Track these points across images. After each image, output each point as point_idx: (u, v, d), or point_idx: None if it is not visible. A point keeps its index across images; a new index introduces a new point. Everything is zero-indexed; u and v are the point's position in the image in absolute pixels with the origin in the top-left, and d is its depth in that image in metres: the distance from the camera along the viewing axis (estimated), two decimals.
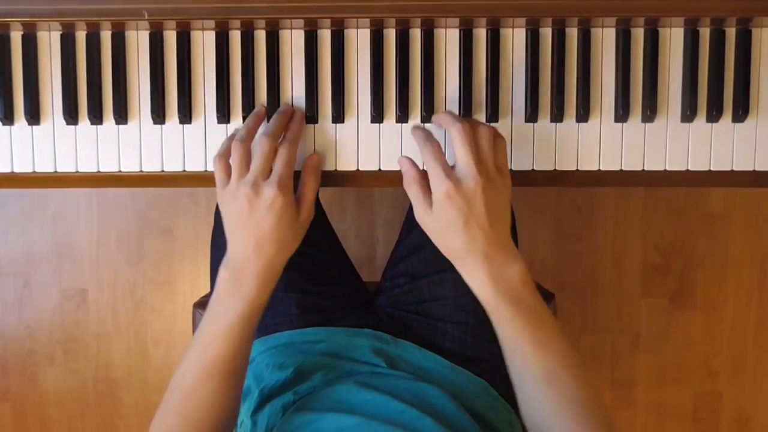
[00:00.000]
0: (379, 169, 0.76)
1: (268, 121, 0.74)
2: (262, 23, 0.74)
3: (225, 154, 0.71)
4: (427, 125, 0.75)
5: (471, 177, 0.65)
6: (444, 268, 0.83)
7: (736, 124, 0.76)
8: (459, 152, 0.66)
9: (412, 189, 0.69)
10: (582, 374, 0.68)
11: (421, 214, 0.69)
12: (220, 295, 0.71)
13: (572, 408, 0.66)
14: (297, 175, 0.73)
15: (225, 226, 0.71)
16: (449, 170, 0.66)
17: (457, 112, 0.75)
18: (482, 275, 0.67)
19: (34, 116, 0.75)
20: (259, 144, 0.69)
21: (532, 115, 0.75)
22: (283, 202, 0.68)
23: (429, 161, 0.68)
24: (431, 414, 0.72)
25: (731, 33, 0.75)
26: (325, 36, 0.75)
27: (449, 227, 0.66)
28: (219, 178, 0.71)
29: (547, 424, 0.67)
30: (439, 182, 0.66)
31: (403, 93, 0.75)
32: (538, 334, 0.67)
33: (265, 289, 0.70)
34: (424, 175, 0.69)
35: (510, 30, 0.75)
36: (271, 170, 0.69)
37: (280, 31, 0.75)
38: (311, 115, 0.75)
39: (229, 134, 0.75)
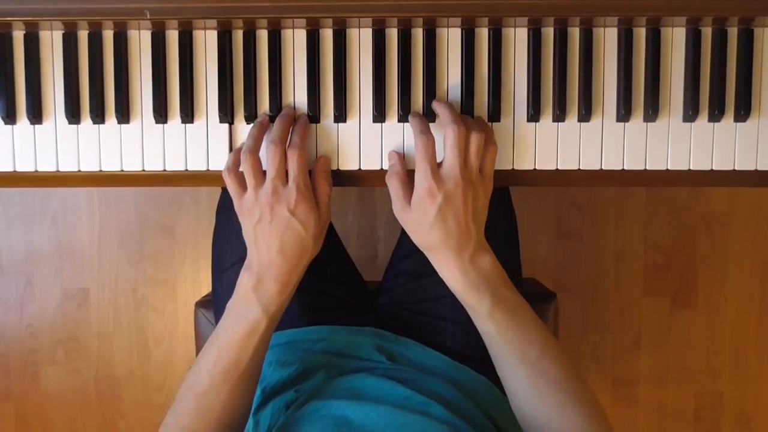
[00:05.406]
0: (381, 169, 0.76)
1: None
2: (264, 23, 0.74)
3: (234, 166, 0.72)
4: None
5: (453, 179, 0.68)
6: None
7: (738, 124, 0.76)
8: (447, 154, 0.68)
9: (392, 182, 0.71)
10: (562, 357, 0.70)
11: (398, 208, 0.71)
12: (241, 299, 0.71)
13: (556, 389, 0.67)
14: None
15: (245, 233, 0.72)
16: (435, 168, 0.68)
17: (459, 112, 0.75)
18: (453, 266, 0.69)
19: (36, 115, 0.75)
20: (269, 152, 0.70)
21: (534, 115, 0.75)
22: (305, 207, 0.70)
23: (419, 155, 0.69)
24: (438, 401, 0.73)
25: (733, 32, 0.75)
26: (327, 35, 0.75)
27: (426, 221, 0.68)
28: (233, 190, 0.71)
29: (534, 411, 0.68)
30: (423, 178, 0.68)
31: (405, 93, 0.75)
32: (512, 319, 0.69)
33: (286, 295, 0.72)
34: (408, 173, 0.71)
35: (512, 29, 0.75)
36: (286, 175, 0.70)
37: (282, 31, 0.75)
38: (313, 115, 0.75)
39: (229, 133, 0.75)
